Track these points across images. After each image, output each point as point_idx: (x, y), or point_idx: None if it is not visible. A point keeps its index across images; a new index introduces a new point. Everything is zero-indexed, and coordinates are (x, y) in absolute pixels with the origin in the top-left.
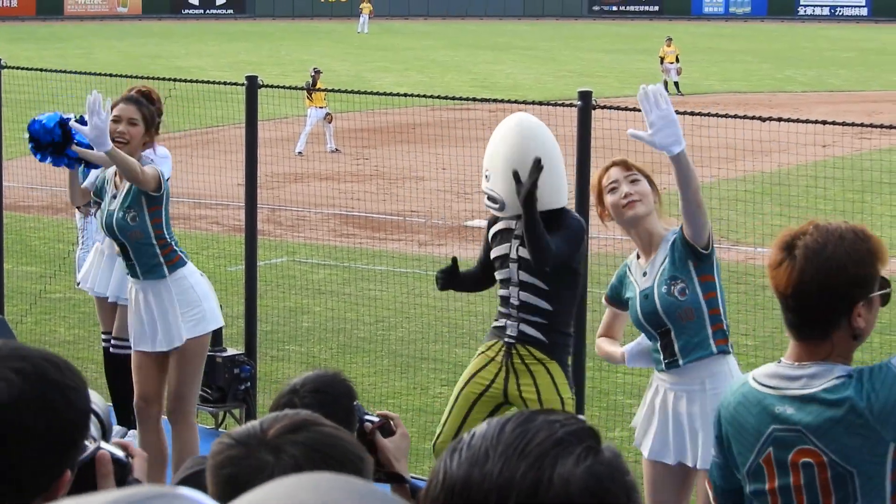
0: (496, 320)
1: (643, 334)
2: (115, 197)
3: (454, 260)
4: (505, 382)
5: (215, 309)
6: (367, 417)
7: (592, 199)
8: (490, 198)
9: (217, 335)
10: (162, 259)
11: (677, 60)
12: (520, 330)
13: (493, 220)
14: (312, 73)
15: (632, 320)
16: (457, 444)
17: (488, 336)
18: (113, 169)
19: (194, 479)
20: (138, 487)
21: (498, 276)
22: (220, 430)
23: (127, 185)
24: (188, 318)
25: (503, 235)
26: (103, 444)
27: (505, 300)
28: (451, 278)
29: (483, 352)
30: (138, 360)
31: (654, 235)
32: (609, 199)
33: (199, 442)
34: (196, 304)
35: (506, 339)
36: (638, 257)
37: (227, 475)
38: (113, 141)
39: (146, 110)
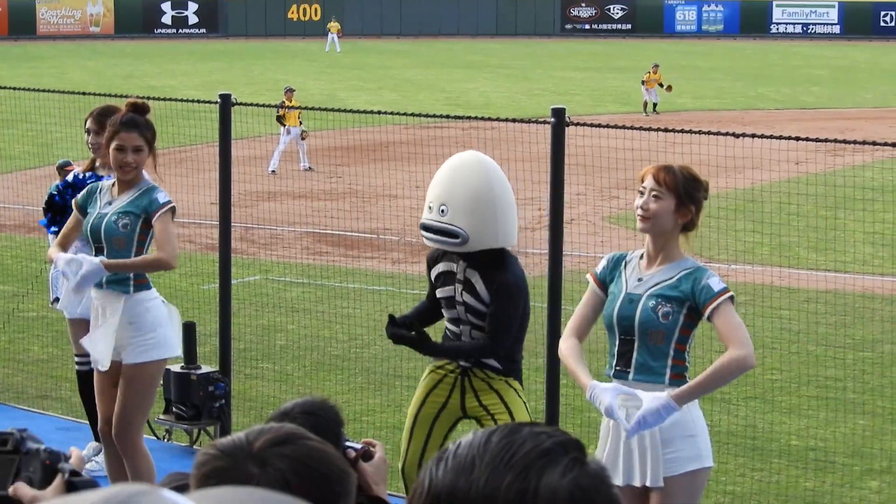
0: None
1: (614, 384)
2: (110, 203)
3: (390, 317)
4: (462, 398)
5: (170, 337)
6: (348, 445)
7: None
8: (447, 232)
9: (191, 353)
10: (131, 275)
11: (661, 85)
12: (475, 360)
13: (433, 260)
14: (286, 92)
15: (603, 314)
16: (443, 453)
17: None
18: (109, 182)
19: None
20: (122, 486)
21: (446, 314)
22: (194, 447)
23: (127, 195)
24: (139, 343)
25: (446, 277)
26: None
27: (456, 335)
28: (399, 328)
29: (432, 370)
30: (99, 382)
31: (668, 252)
32: (636, 200)
33: (153, 465)
34: (149, 330)
35: (461, 364)
36: (641, 258)
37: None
38: (119, 169)
39: (148, 133)
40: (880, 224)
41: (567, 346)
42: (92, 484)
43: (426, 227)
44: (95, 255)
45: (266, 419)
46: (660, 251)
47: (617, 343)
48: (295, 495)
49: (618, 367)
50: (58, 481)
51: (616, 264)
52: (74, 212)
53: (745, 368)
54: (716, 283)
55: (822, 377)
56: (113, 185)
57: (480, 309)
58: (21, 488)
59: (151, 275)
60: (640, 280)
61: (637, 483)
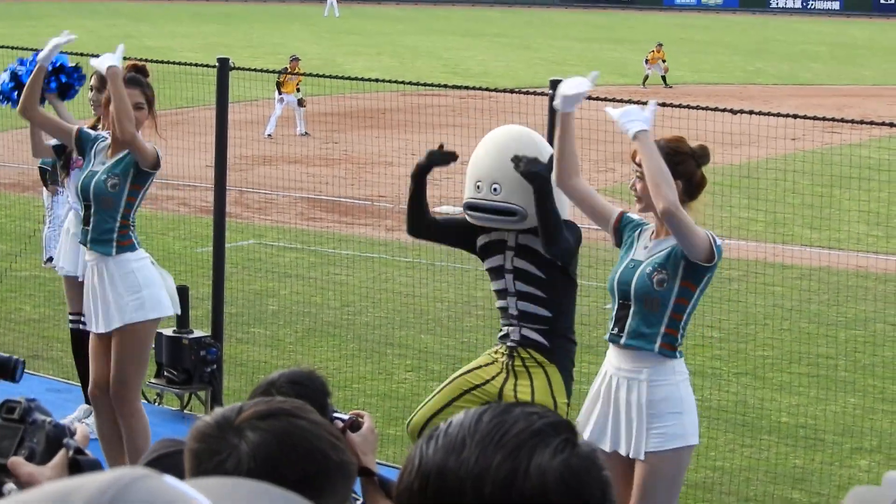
0: (500, 329)
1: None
2: (103, 164)
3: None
4: (503, 383)
5: (161, 297)
6: (336, 415)
7: None
8: (504, 211)
9: (184, 317)
10: (115, 236)
11: (664, 62)
12: (522, 334)
13: (481, 228)
14: (291, 60)
15: (608, 278)
16: (433, 431)
17: (496, 344)
18: (106, 143)
19: (160, 462)
20: (124, 470)
21: (493, 286)
22: (185, 412)
23: (120, 155)
24: (127, 303)
25: (494, 246)
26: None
27: (504, 311)
28: (425, 171)
29: (489, 353)
30: (93, 344)
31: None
32: None
33: (148, 427)
34: (136, 290)
35: (509, 344)
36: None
37: (193, 449)
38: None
39: (149, 91)
40: (875, 202)
41: None
42: (96, 465)
43: (476, 207)
44: (84, 217)
45: (252, 388)
46: (662, 224)
47: (616, 307)
48: (260, 469)
49: (613, 332)
50: (60, 457)
51: (635, 226)
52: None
53: (661, 195)
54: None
55: (814, 355)
56: (110, 146)
57: (533, 273)
58: (18, 465)
59: (140, 236)
60: (646, 248)
61: (622, 451)
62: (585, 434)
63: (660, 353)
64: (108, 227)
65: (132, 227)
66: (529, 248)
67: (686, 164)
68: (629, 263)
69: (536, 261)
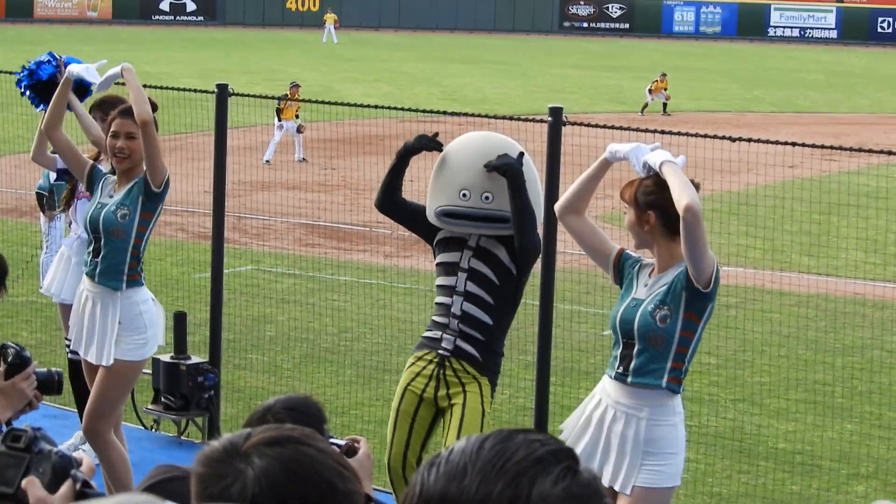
0: (429, 330)
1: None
2: (111, 196)
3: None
4: (435, 391)
5: (159, 336)
6: (332, 441)
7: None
8: (497, 219)
9: (181, 343)
10: (126, 269)
11: (665, 90)
12: (456, 345)
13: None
14: (291, 87)
15: (610, 315)
16: (435, 458)
17: (419, 346)
18: (113, 179)
19: (157, 489)
20: (126, 495)
21: (439, 282)
22: (182, 438)
23: (128, 187)
24: (127, 342)
25: (452, 243)
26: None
27: (445, 308)
28: (412, 153)
29: (412, 363)
30: (90, 370)
31: (662, 259)
32: None
33: (126, 456)
34: (140, 331)
35: (440, 351)
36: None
37: (199, 473)
38: (113, 156)
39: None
40: (873, 230)
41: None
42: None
43: (464, 216)
44: (93, 250)
45: (249, 414)
46: (660, 258)
47: (620, 346)
48: (265, 496)
49: (619, 370)
50: (67, 488)
51: (634, 263)
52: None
53: (692, 203)
54: None
55: (811, 381)
56: (117, 181)
57: (488, 276)
58: (34, 485)
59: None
60: (646, 286)
61: (606, 483)
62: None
63: (667, 387)
64: (118, 260)
65: (141, 262)
66: (490, 252)
67: (663, 194)
68: (630, 303)
69: (494, 266)
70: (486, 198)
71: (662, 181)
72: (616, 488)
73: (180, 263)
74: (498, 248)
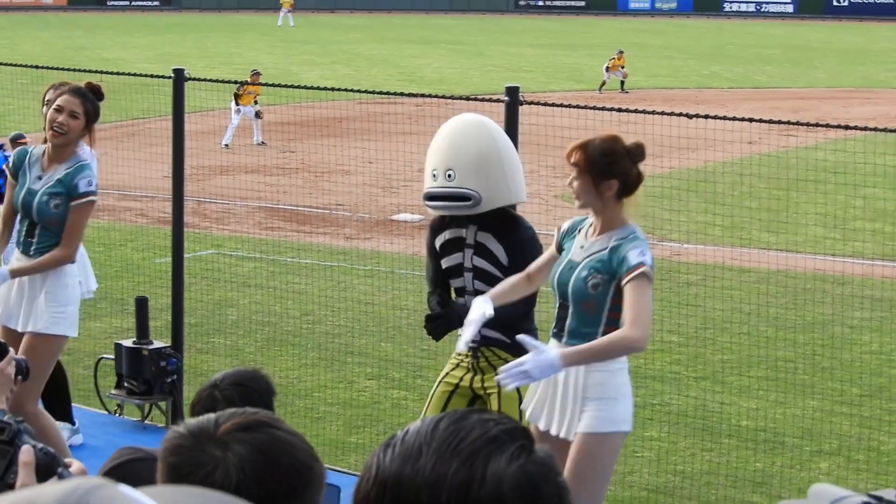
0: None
1: (542, 347)
2: (40, 178)
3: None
4: (470, 380)
5: (76, 318)
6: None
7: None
8: (458, 196)
9: (143, 328)
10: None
11: (622, 68)
12: (482, 334)
13: (437, 228)
14: (252, 74)
15: (549, 278)
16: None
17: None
18: (42, 149)
19: (121, 469)
20: (80, 479)
21: (453, 283)
22: (145, 423)
23: (57, 171)
24: (51, 314)
25: (453, 244)
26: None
27: (462, 305)
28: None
29: (453, 356)
30: (4, 336)
31: (607, 220)
32: None
33: (54, 421)
34: (63, 304)
35: (471, 346)
36: (591, 225)
37: (173, 463)
38: (50, 129)
39: (90, 106)
40: (832, 205)
41: (510, 280)
42: None
43: (433, 196)
44: (27, 228)
45: (197, 391)
46: (600, 221)
47: (557, 306)
48: (249, 482)
49: (555, 330)
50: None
51: (572, 229)
52: (9, 179)
53: (633, 350)
54: (634, 257)
55: (773, 358)
56: (44, 153)
57: (492, 272)
58: (27, 453)
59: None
60: (581, 247)
61: (553, 431)
62: (527, 412)
63: None
64: (51, 244)
65: None
66: (487, 248)
67: (621, 162)
68: (567, 265)
69: (494, 261)
70: (449, 175)
71: (609, 145)
72: (561, 436)
73: (141, 249)
74: (491, 242)
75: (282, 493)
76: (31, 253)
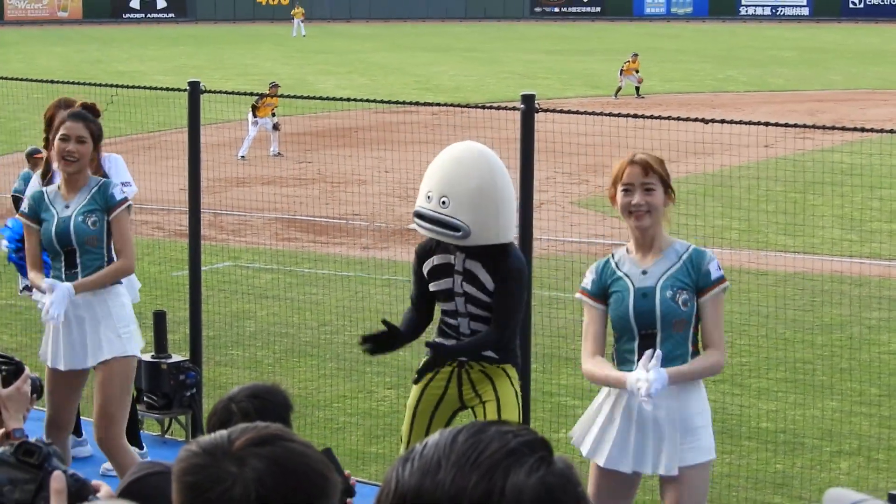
0: (442, 338)
1: (648, 355)
2: (68, 206)
3: (386, 324)
4: (458, 389)
5: (139, 334)
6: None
7: (609, 185)
8: (448, 225)
9: (161, 342)
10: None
11: (637, 72)
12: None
13: (426, 252)
14: (270, 86)
15: (613, 316)
16: (409, 453)
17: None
18: (54, 186)
19: (141, 483)
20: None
21: (443, 307)
22: (165, 437)
23: (82, 195)
24: (120, 335)
25: (441, 270)
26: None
27: (454, 328)
28: (385, 341)
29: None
30: (53, 381)
31: (660, 239)
32: (620, 199)
33: (138, 459)
34: (128, 322)
35: (459, 359)
36: (628, 252)
37: (190, 483)
38: (63, 160)
39: (94, 126)
40: (849, 207)
41: (594, 361)
42: None
43: (422, 216)
44: (62, 260)
45: (213, 405)
46: (651, 240)
47: (637, 339)
48: (269, 496)
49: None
50: None
51: (604, 270)
52: (28, 225)
53: (719, 369)
54: (715, 270)
55: (792, 360)
56: (59, 187)
57: (482, 299)
58: (59, 480)
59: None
60: (644, 273)
61: (649, 472)
62: (601, 459)
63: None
64: (97, 266)
65: (114, 260)
66: (475, 275)
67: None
68: (638, 294)
69: (482, 288)
70: (443, 202)
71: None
72: (662, 473)
73: (158, 262)
74: (479, 271)
75: (305, 503)
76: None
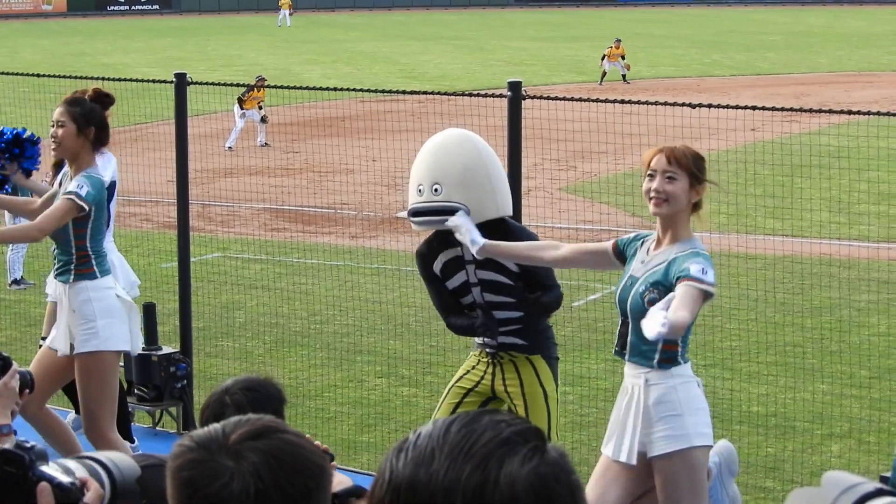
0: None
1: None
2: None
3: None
4: (492, 379)
5: (118, 331)
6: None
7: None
8: (445, 211)
9: (152, 334)
10: (73, 267)
11: (623, 58)
12: (499, 342)
13: (428, 255)
14: (257, 80)
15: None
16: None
17: (474, 347)
18: (67, 168)
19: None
20: None
21: (462, 301)
22: (157, 429)
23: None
24: (80, 332)
25: (452, 265)
26: (48, 470)
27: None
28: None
29: (472, 356)
30: (42, 353)
31: (675, 232)
32: (644, 183)
33: (129, 452)
34: (90, 320)
35: (488, 350)
36: (653, 240)
37: (186, 478)
38: (52, 143)
39: (76, 110)
40: (836, 189)
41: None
42: None
43: (419, 212)
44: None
45: (207, 395)
46: (667, 232)
47: (620, 322)
48: (267, 489)
49: (617, 348)
50: None
51: (635, 240)
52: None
53: (668, 333)
54: (695, 269)
55: (782, 343)
56: (68, 173)
57: (501, 281)
58: (45, 496)
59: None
60: (642, 262)
61: (622, 459)
62: (609, 444)
63: (659, 367)
64: (65, 260)
65: (93, 256)
66: (488, 259)
67: (706, 169)
68: (628, 280)
69: (502, 270)
70: (436, 189)
71: (700, 154)
72: (622, 459)
73: (147, 254)
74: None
75: (298, 495)
76: (55, 270)
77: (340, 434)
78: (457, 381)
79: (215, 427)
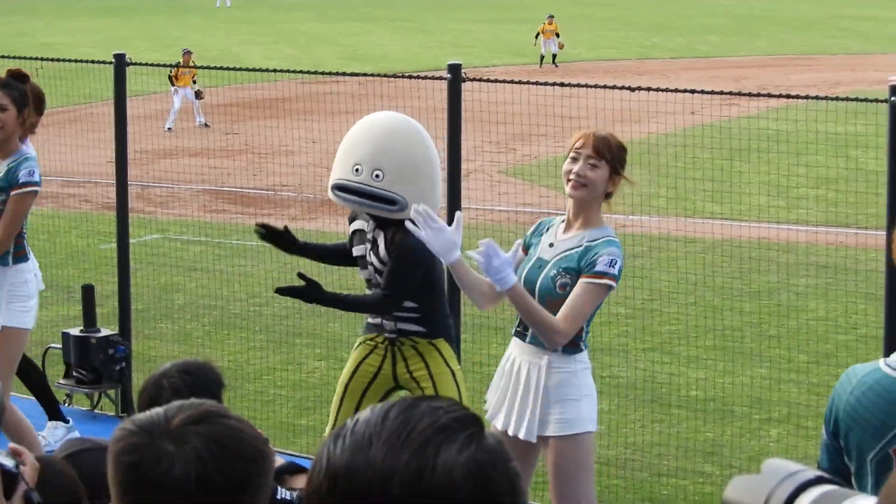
0: (371, 316)
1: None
2: None
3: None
4: (393, 367)
5: (36, 311)
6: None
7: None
8: (384, 199)
9: (90, 316)
10: (11, 250)
11: (557, 36)
12: (398, 328)
13: (352, 216)
14: (184, 54)
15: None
16: (340, 429)
17: (366, 329)
18: None
19: (71, 461)
20: None
21: (361, 275)
22: (95, 411)
23: (3, 164)
24: (14, 308)
25: (360, 236)
26: None
27: None
28: (281, 240)
29: (363, 342)
30: None
31: (587, 218)
32: (566, 164)
33: (23, 416)
34: (25, 299)
35: (386, 335)
36: (562, 222)
37: (128, 462)
38: None
39: (15, 92)
40: (775, 174)
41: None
42: None
43: (351, 190)
44: None
45: (145, 380)
46: (579, 216)
47: None
48: (209, 474)
49: (518, 329)
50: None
51: (538, 229)
52: None
53: (550, 341)
54: (602, 265)
55: (721, 327)
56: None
57: (381, 270)
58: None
59: (42, 235)
60: (551, 245)
61: (511, 433)
62: (501, 418)
63: (563, 351)
64: None
65: (24, 236)
66: (378, 245)
67: (625, 162)
68: (535, 263)
69: (382, 259)
70: (377, 175)
71: (621, 142)
72: (521, 436)
73: (85, 235)
74: (381, 239)
75: (240, 481)
76: None
77: (279, 417)
78: (351, 379)
79: (157, 411)
